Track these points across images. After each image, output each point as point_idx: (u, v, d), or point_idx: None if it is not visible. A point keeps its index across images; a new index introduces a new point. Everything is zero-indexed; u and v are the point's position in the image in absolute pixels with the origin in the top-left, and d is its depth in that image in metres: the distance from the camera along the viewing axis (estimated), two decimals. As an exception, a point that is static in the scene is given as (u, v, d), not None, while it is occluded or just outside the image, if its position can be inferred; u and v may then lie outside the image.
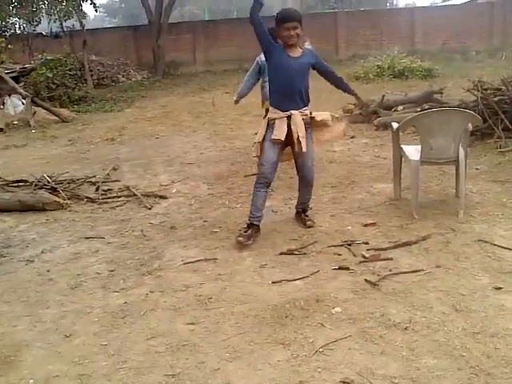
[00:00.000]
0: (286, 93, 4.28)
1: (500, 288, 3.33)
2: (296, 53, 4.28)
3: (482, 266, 3.64)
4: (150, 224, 4.93)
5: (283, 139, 4.27)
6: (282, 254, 4.04)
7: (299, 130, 4.25)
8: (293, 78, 4.25)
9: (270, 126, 4.32)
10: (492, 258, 3.74)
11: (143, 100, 14.63)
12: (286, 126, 4.26)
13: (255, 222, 4.36)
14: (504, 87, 7.08)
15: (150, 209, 5.35)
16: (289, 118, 4.27)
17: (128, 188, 6.04)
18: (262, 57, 6.55)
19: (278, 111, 4.29)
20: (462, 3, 28.53)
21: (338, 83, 4.66)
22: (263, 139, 4.35)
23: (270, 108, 4.37)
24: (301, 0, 38.28)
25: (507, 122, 6.77)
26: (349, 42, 22.16)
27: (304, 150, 4.28)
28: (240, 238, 4.23)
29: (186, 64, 21.71)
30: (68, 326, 3.20)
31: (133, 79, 19.53)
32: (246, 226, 4.37)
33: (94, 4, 17.36)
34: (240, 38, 22.08)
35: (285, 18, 4.22)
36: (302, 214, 4.71)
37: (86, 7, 28.66)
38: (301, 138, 4.25)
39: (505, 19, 21.96)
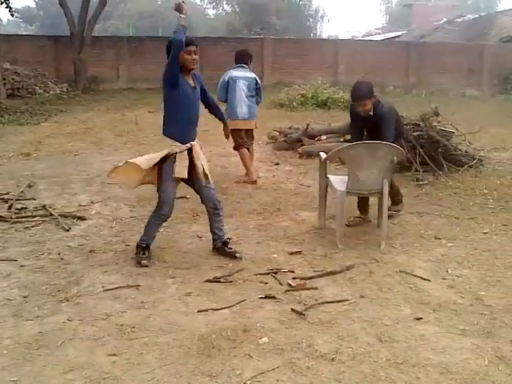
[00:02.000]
0: (190, 123, 4.26)
1: (420, 318, 3.45)
2: (191, 80, 4.28)
3: (404, 297, 3.75)
4: (67, 247, 4.69)
5: (186, 176, 4.23)
6: (207, 281, 3.97)
7: (203, 162, 4.29)
8: (195, 107, 4.26)
9: (170, 160, 4.19)
10: (413, 289, 3.88)
11: (62, 114, 14.08)
12: (187, 161, 4.21)
13: (149, 244, 4.41)
14: (422, 123, 7.45)
15: (67, 230, 5.09)
16: (189, 150, 4.23)
17: (44, 207, 5.73)
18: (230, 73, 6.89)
19: (178, 143, 4.20)
20: (382, 39, 30.14)
21: (216, 110, 4.74)
22: (161, 174, 4.25)
23: (169, 141, 4.22)
24: (226, 24, 38.86)
25: (425, 156, 7.12)
26: (274, 68, 22.62)
27: (211, 181, 4.34)
28: (145, 262, 4.25)
29: (109, 80, 21.25)
30: (-28, 361, 2.93)
31: (51, 92, 18.78)
32: (140, 249, 4.33)
33: (10, 8, 16.58)
34: (165, 57, 21.94)
35: (188, 41, 4.14)
36: (224, 246, 4.55)
37: (0, 10, 27.33)
38: (206, 171, 4.29)
39: (419, 58, 23.33)
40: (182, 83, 4.15)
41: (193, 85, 4.26)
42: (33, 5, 52.57)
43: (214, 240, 4.58)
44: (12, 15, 17.84)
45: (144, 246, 4.35)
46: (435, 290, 3.89)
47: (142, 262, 4.25)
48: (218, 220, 4.53)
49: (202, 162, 4.29)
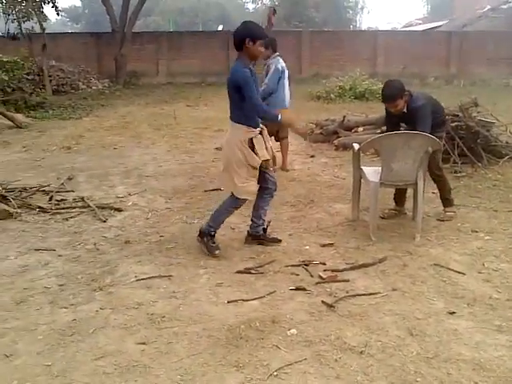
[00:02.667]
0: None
1: (454, 313, 3.37)
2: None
3: (437, 291, 3.67)
4: (103, 237, 4.79)
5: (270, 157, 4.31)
6: (238, 272, 3.98)
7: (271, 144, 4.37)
8: None
9: (248, 145, 4.18)
10: (447, 283, 3.79)
11: (103, 109, 14.36)
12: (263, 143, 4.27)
13: (215, 233, 4.44)
14: (461, 114, 7.25)
15: (104, 221, 5.20)
16: (261, 133, 4.26)
17: (82, 199, 5.86)
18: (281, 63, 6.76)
19: (252, 129, 4.20)
20: (422, 30, 29.47)
21: None
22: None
23: (244, 127, 4.16)
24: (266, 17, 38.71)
25: (464, 148, 6.94)
26: (312, 61, 22.48)
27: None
28: (218, 252, 4.29)
29: (148, 75, 21.53)
30: (9, 345, 3.03)
31: (93, 87, 19.19)
32: (209, 237, 4.36)
33: (56, 7, 17.00)
34: (204, 52, 22.12)
35: (264, 32, 4.18)
36: (264, 234, 4.60)
37: (48, 10, 28.22)
38: (274, 153, 4.42)
39: (461, 48, 22.73)
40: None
41: (253, 70, 4.26)
42: (79, 4, 53.71)
43: (256, 227, 4.58)
44: (58, 14, 18.23)
45: (213, 234, 4.38)
46: (470, 283, 3.79)
47: (216, 252, 4.29)
48: (268, 204, 4.59)
49: (271, 144, 4.37)
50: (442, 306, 3.46)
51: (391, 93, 4.72)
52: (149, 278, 3.90)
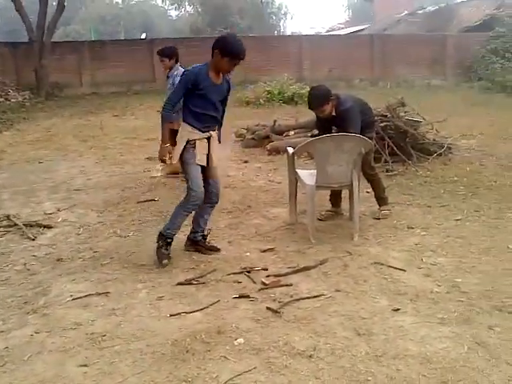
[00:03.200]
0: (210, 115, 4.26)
1: (398, 309, 3.41)
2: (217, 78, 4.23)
3: (380, 289, 3.72)
4: (33, 256, 4.53)
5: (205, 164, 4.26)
6: (179, 284, 3.87)
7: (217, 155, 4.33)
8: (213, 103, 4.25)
9: (190, 146, 4.18)
10: (388, 280, 3.84)
11: (24, 122, 13.71)
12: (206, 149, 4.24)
13: (173, 238, 4.33)
14: (389, 114, 7.47)
15: (33, 240, 4.93)
16: (208, 138, 4.24)
17: (8, 217, 5.53)
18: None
19: (196, 131, 4.18)
20: (345, 34, 30.33)
21: None
22: (184, 161, 4.21)
23: (190, 128, 4.17)
24: (189, 24, 38.64)
25: (394, 147, 7.13)
26: (239, 66, 22.49)
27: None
28: (166, 261, 4.20)
29: (72, 86, 20.83)
30: None
31: (12, 100, 18.29)
32: (164, 243, 4.26)
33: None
34: (128, 60, 21.66)
35: (241, 53, 4.12)
36: (204, 240, 4.55)
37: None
38: (216, 165, 4.36)
39: (383, 51, 23.53)
40: (200, 81, 4.08)
41: (218, 82, 4.21)
42: (-10, 12, 51.30)
43: (194, 233, 4.53)
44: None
45: (169, 240, 4.27)
46: (411, 279, 3.87)
47: (164, 261, 4.19)
48: (208, 213, 4.54)
49: (216, 156, 4.31)
50: (385, 304, 3.50)
51: (317, 99, 4.76)
52: (85, 296, 3.71)
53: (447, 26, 26.81)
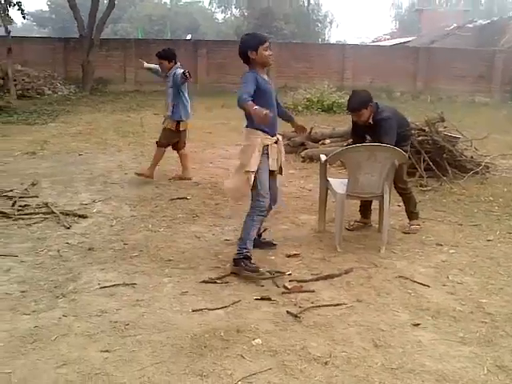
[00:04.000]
0: (274, 116, 4.18)
1: (418, 324, 3.40)
2: (265, 75, 4.26)
3: (402, 302, 3.71)
4: (67, 244, 4.69)
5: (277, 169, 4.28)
6: (203, 282, 3.94)
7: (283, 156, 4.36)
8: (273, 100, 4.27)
9: (264, 152, 4.12)
10: (411, 295, 3.83)
11: (68, 115, 14.11)
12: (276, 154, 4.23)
13: (250, 254, 4.15)
14: (427, 128, 7.41)
15: (68, 228, 5.09)
16: (276, 142, 4.24)
17: (46, 205, 5.73)
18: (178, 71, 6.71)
19: (269, 136, 4.18)
20: (391, 45, 30.07)
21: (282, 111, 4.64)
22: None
23: (260, 133, 4.10)
24: (234, 28, 38.96)
25: (429, 162, 7.07)
26: (280, 72, 22.59)
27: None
28: (261, 269, 4.07)
29: (116, 82, 21.33)
30: (-34, 353, 2.93)
31: (59, 93, 18.88)
32: (247, 260, 4.08)
33: (22, 10, 16.70)
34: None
35: (263, 37, 4.20)
36: (259, 237, 4.62)
37: (14, 13, 27.68)
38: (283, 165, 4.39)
39: (428, 64, 23.25)
40: (260, 82, 4.08)
41: (268, 80, 4.25)
42: (46, 8, 52.82)
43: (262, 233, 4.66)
44: (24, 17, 17.91)
45: (249, 255, 4.10)
46: (434, 296, 3.84)
47: (260, 269, 4.05)
48: (266, 215, 4.54)
49: (282, 156, 4.35)
50: (406, 318, 3.49)
51: (356, 102, 4.79)
52: (112, 285, 3.83)
53: (498, 41, 26.27)
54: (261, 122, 3.83)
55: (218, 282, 3.95)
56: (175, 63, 6.96)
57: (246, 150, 4.14)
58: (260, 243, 4.61)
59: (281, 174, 4.44)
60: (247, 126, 4.19)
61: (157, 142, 7.21)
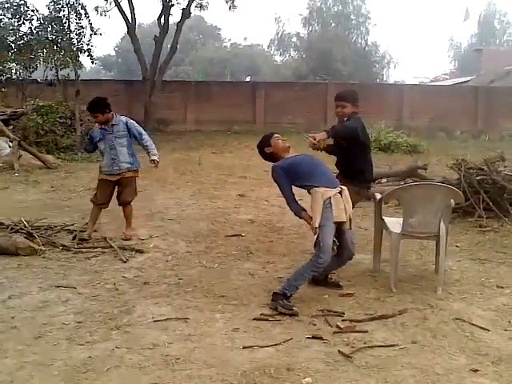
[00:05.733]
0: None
1: (477, 370, 3.25)
2: None
3: (459, 346, 3.57)
4: (123, 277, 4.82)
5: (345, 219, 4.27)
6: (255, 319, 3.93)
7: (350, 205, 4.33)
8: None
9: (327, 205, 4.16)
10: (469, 338, 3.68)
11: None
12: (342, 204, 4.23)
13: (289, 295, 4.16)
14: (486, 167, 7.23)
15: (125, 262, 5.24)
16: (340, 193, 4.27)
17: (105, 239, 5.94)
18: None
19: (331, 188, 4.24)
20: (449, 85, 29.69)
21: None
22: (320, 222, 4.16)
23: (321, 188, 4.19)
24: (293, 69, 39.58)
25: (489, 202, 6.87)
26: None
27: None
28: (295, 309, 4.06)
29: (177, 122, 22.00)
30: (25, 379, 3.05)
31: (122, 132, 19.63)
32: (285, 298, 4.09)
33: (91, 56, 17.70)
34: (231, 100, 22.62)
35: (269, 134, 4.65)
36: (326, 278, 4.64)
37: (83, 58, 29.37)
38: (351, 215, 4.35)
39: (488, 103, 22.79)
40: (291, 166, 4.42)
41: (301, 155, 4.54)
42: (113, 53, 55.65)
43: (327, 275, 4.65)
44: (92, 62, 18.96)
45: (288, 295, 4.12)
46: (495, 341, 3.67)
47: (294, 309, 4.03)
48: (342, 262, 4.60)
49: (349, 206, 4.33)
50: (463, 363, 3.35)
51: (346, 93, 5.12)
52: (165, 319, 3.89)
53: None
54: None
55: (270, 319, 3.93)
56: (110, 111, 6.30)
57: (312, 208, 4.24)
58: (326, 283, 4.61)
59: (350, 227, 4.37)
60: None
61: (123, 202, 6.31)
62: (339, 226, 4.26)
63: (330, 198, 4.16)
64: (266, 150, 4.55)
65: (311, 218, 4.18)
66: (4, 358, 3.29)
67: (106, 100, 6.33)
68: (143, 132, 6.45)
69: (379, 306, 4.25)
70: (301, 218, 4.37)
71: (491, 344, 3.62)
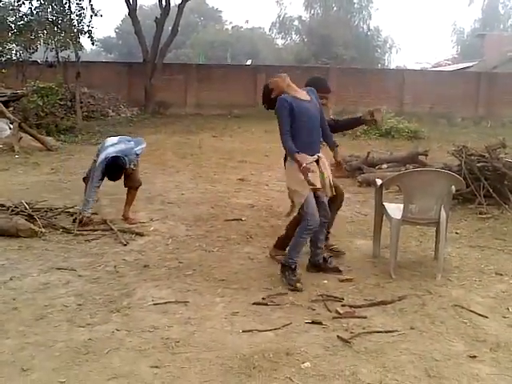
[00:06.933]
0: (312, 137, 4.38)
1: (475, 356, 3.27)
2: (305, 95, 4.41)
3: (457, 332, 3.59)
4: (123, 260, 4.83)
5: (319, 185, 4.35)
6: (255, 303, 3.95)
7: (329, 173, 4.43)
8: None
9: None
10: (468, 325, 3.70)
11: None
12: (318, 171, 4.32)
13: (296, 265, 4.37)
14: (487, 154, 7.21)
15: (125, 245, 5.25)
16: (317, 161, 4.34)
17: (105, 222, 5.94)
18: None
19: (307, 156, 4.28)
20: (451, 70, 29.50)
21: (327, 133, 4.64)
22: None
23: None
24: (294, 53, 39.33)
25: (489, 189, 6.86)
26: (338, 97, 22.57)
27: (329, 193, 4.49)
28: (300, 285, 4.22)
29: (177, 105, 21.89)
30: (26, 360, 3.07)
31: (122, 115, 19.59)
32: (290, 270, 4.31)
33: (92, 37, 17.60)
34: (232, 84, 22.50)
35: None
36: (325, 263, 4.66)
37: (84, 40, 29.15)
38: (331, 181, 4.46)
39: (490, 89, 22.68)
40: (295, 105, 4.26)
41: (308, 99, 4.38)
42: (113, 35, 55.22)
43: (314, 256, 4.63)
44: (93, 44, 18.88)
45: (294, 266, 4.32)
46: (493, 327, 3.69)
47: (298, 285, 4.21)
48: (323, 232, 4.62)
49: (328, 173, 4.43)
50: (462, 349, 3.37)
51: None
52: (165, 302, 3.91)
53: None
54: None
55: (269, 303, 3.95)
56: None
57: (288, 174, 4.39)
58: (326, 268, 4.63)
59: (331, 194, 4.47)
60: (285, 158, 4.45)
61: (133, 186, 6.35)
62: (315, 192, 4.33)
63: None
64: (271, 96, 4.38)
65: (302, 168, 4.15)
66: (6, 338, 3.31)
67: None
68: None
69: (378, 291, 4.26)
70: (292, 158, 4.26)
71: (489, 331, 3.64)
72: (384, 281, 4.49)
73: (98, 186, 5.97)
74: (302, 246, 4.42)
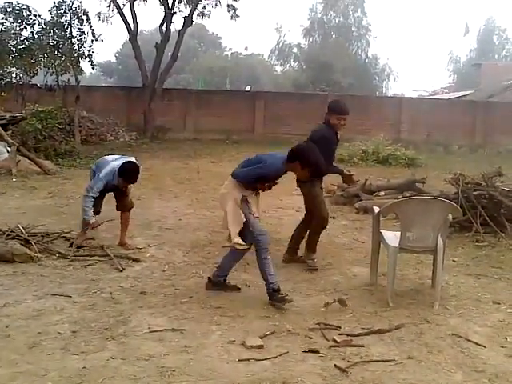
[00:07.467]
0: None
1: (473, 387, 3.25)
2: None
3: (456, 362, 3.56)
4: (119, 287, 4.80)
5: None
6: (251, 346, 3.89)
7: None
8: None
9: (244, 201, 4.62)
10: (466, 355, 3.68)
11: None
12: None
13: (277, 287, 4.51)
14: (484, 183, 7.25)
15: (121, 271, 5.22)
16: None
17: (102, 247, 5.92)
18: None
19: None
20: (448, 98, 29.80)
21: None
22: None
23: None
24: (292, 80, 39.73)
25: (486, 217, 6.88)
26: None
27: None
28: (288, 297, 4.44)
29: (175, 130, 22.00)
30: (18, 390, 3.02)
31: (121, 139, 19.67)
32: (275, 293, 4.46)
33: (92, 62, 17.77)
34: (230, 110, 22.65)
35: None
36: (223, 282, 4.87)
37: (84, 64, 29.44)
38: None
39: (487, 118, 22.88)
40: None
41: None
42: (113, 59, 55.82)
43: (218, 276, 4.87)
44: (93, 68, 19.06)
45: (276, 287, 4.49)
46: (491, 357, 3.67)
47: (287, 297, 4.44)
48: (238, 260, 4.90)
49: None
50: (460, 379, 3.35)
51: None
52: (161, 330, 3.88)
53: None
54: None
55: (266, 332, 3.91)
56: None
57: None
58: (225, 286, 4.80)
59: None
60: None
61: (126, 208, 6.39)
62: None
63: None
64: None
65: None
66: (-3, 367, 3.27)
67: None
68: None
69: (376, 320, 4.24)
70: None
71: (487, 361, 3.62)
72: (381, 309, 4.47)
73: (95, 198, 5.91)
74: (271, 267, 4.55)
